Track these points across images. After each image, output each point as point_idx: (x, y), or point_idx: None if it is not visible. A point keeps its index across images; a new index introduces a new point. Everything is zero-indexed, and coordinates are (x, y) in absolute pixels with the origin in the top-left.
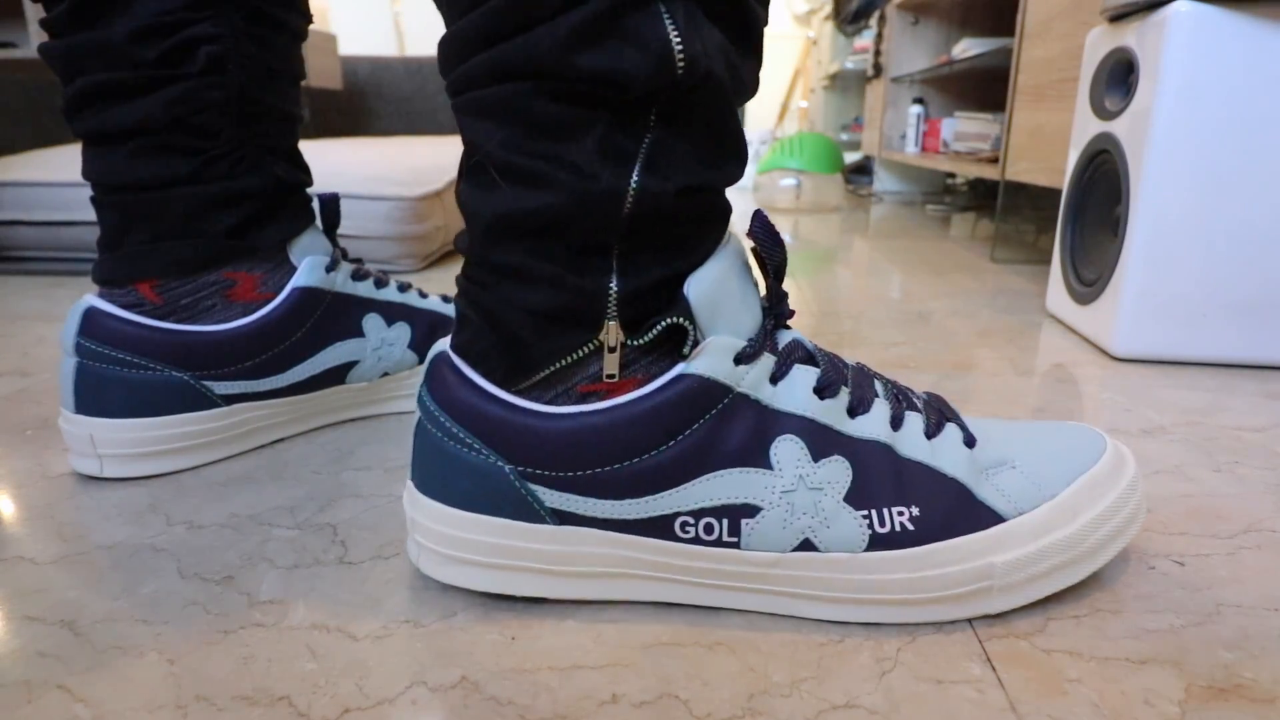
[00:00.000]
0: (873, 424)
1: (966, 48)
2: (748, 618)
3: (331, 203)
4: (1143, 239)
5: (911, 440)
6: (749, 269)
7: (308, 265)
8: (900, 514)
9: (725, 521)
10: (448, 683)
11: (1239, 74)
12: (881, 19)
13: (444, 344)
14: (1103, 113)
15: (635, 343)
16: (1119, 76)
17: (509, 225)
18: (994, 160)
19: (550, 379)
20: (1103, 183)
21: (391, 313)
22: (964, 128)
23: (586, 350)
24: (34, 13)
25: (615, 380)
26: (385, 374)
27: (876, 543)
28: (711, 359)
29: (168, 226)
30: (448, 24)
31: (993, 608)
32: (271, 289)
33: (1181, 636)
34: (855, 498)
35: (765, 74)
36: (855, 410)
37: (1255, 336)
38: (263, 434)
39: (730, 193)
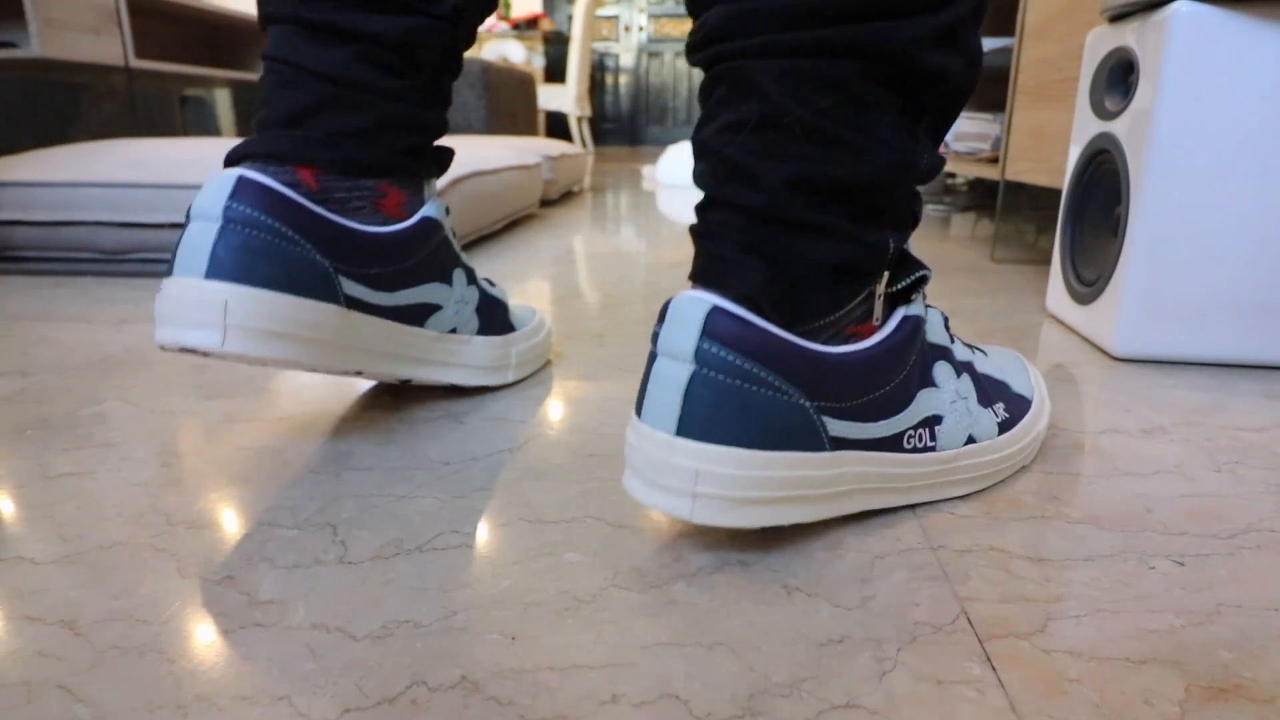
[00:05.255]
0: (960, 349)
1: None
2: (748, 618)
3: (448, 155)
4: (1143, 239)
5: (976, 360)
6: None
7: (435, 203)
8: (1000, 407)
9: (927, 430)
10: (448, 683)
11: (1239, 74)
12: None
13: (697, 295)
14: (1103, 113)
15: (891, 290)
16: (1119, 76)
17: (813, 185)
18: (994, 160)
19: (827, 324)
20: (1103, 183)
21: (469, 275)
22: (964, 128)
23: (861, 298)
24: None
25: (878, 322)
26: (453, 330)
27: (1000, 428)
28: (919, 301)
29: (355, 126)
30: None
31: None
32: (408, 211)
33: (1181, 636)
34: (981, 399)
35: None
36: (954, 339)
37: (1255, 336)
38: (355, 349)
39: None
